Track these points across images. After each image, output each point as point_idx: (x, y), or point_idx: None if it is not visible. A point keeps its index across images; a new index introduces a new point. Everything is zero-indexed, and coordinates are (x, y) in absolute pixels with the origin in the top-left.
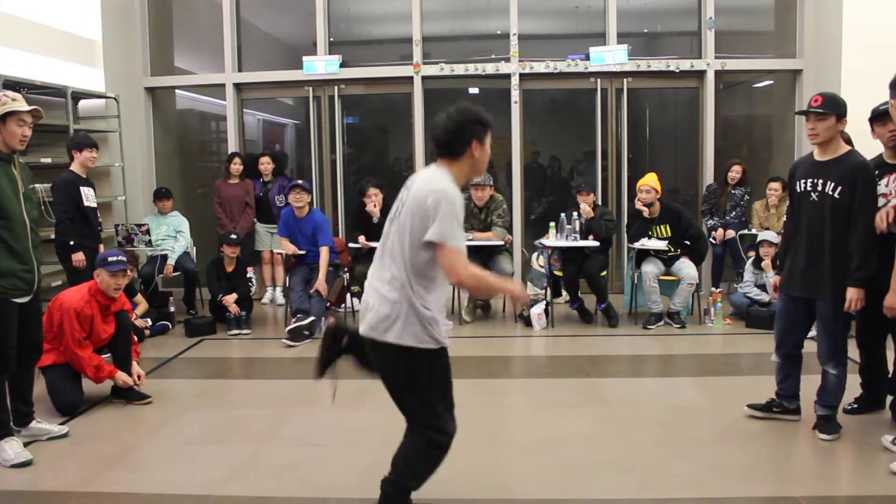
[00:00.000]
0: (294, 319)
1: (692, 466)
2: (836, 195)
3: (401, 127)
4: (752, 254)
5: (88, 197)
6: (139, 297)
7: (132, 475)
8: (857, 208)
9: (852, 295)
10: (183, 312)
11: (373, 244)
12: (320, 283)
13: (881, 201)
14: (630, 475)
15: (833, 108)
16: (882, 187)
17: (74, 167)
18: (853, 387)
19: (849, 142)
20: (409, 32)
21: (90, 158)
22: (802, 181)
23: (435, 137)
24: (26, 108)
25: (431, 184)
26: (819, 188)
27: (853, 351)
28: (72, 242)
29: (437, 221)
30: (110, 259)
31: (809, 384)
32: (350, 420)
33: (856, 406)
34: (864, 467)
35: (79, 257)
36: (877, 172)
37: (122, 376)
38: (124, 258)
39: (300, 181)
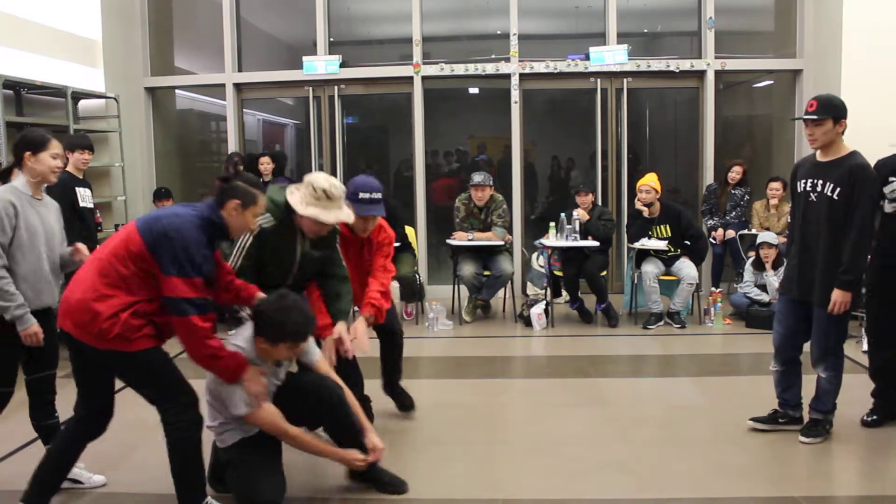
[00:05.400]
0: None
1: (692, 466)
2: (834, 196)
3: (401, 127)
4: (752, 254)
5: (84, 197)
6: None
7: (132, 475)
8: (852, 210)
9: (837, 297)
10: None
11: None
12: None
13: None
14: (630, 475)
15: (828, 111)
16: None
17: (69, 168)
18: (866, 394)
19: None
20: (409, 32)
21: (82, 160)
22: (803, 181)
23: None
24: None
25: None
26: (818, 189)
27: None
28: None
29: None
30: None
31: (809, 384)
32: None
33: (875, 418)
34: (864, 467)
35: None
36: None
37: None
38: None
39: None
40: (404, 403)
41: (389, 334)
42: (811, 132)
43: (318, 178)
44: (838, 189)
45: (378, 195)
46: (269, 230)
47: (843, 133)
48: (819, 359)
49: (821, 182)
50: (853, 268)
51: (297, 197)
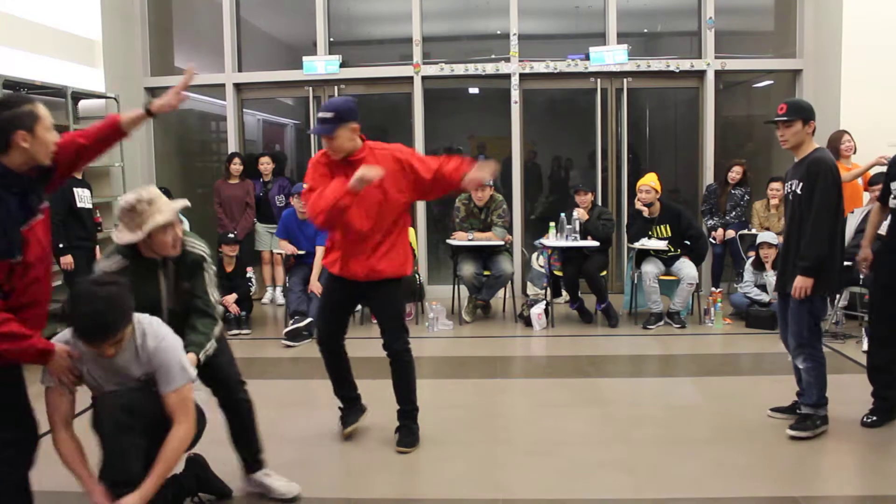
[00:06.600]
0: (291, 321)
1: (692, 466)
2: (798, 191)
3: (401, 127)
4: (752, 254)
5: (82, 198)
6: None
7: None
8: (808, 201)
9: (797, 283)
10: None
11: None
12: (314, 284)
13: None
14: (630, 475)
15: (797, 114)
16: None
17: None
18: (865, 394)
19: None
20: (409, 32)
21: None
22: (788, 183)
23: None
24: None
25: None
26: (791, 188)
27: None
28: (61, 245)
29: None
30: None
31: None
32: None
33: (875, 419)
34: (864, 467)
35: (67, 260)
36: None
37: None
38: None
39: (305, 185)
40: (401, 438)
41: (388, 349)
42: (782, 133)
43: (121, 201)
44: (801, 184)
45: (328, 114)
46: (119, 272)
47: (812, 134)
48: (796, 349)
49: (793, 181)
50: (808, 254)
51: (121, 234)
